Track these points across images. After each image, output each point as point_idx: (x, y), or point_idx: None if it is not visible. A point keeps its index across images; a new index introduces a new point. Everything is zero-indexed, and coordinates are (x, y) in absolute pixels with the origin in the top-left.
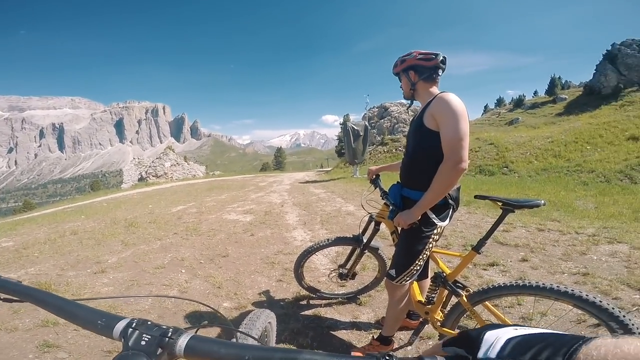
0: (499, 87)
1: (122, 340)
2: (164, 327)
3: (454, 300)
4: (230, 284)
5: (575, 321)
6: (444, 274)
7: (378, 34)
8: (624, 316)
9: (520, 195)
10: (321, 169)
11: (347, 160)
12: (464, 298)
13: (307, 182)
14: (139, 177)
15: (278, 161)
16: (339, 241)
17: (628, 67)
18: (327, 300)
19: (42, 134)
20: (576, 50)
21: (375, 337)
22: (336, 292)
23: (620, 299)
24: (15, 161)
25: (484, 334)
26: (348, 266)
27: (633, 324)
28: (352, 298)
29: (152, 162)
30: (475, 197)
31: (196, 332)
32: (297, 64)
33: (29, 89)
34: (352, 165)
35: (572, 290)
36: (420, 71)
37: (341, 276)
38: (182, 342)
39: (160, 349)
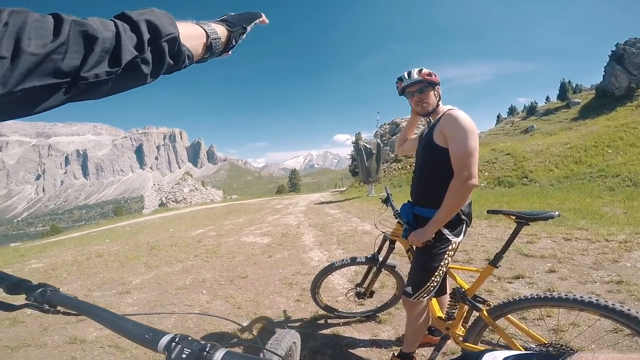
0: (509, 95)
1: (166, 353)
2: (202, 342)
3: (475, 315)
4: (249, 304)
5: (611, 330)
6: (463, 289)
7: (380, 51)
8: None
9: (542, 206)
10: (336, 189)
11: (361, 179)
12: (485, 312)
13: (322, 202)
14: (160, 202)
15: (293, 183)
16: (355, 261)
17: (636, 67)
18: (346, 319)
19: (67, 161)
20: (580, 53)
21: (395, 354)
22: (354, 311)
23: None
24: (43, 188)
25: (482, 356)
26: (365, 285)
27: None
28: (371, 316)
29: (172, 187)
30: (488, 212)
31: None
32: (304, 86)
33: (54, 115)
34: (367, 184)
35: (597, 299)
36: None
37: (359, 295)
38: (218, 356)
39: None
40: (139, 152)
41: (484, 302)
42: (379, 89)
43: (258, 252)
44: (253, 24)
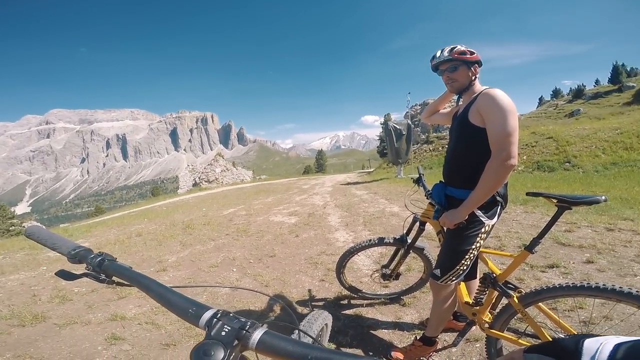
0: (553, 77)
1: (206, 329)
2: (243, 320)
3: (504, 301)
4: (276, 282)
5: None
6: (494, 275)
7: (412, 30)
8: None
9: (585, 192)
10: (363, 170)
11: (390, 161)
12: (515, 299)
13: (349, 183)
14: (193, 182)
15: (319, 164)
16: (383, 242)
17: None
18: (369, 301)
19: (108, 145)
20: (638, 34)
21: (418, 338)
22: (378, 293)
23: None
24: (87, 170)
25: (583, 342)
26: (391, 267)
27: None
28: (395, 299)
29: (204, 168)
30: (527, 194)
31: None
32: (333, 67)
33: (95, 103)
34: (396, 166)
35: (638, 291)
36: (480, 67)
37: (384, 276)
38: (257, 336)
39: (236, 341)
40: (174, 135)
41: (515, 288)
42: (409, 70)
43: (285, 232)
44: None
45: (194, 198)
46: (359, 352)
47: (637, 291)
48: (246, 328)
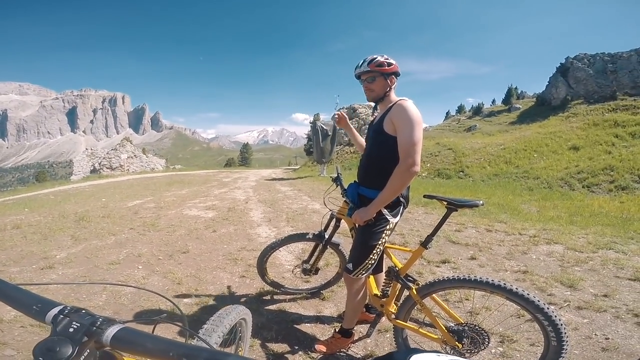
0: (460, 94)
1: (52, 325)
2: (97, 316)
3: (406, 293)
4: (190, 280)
5: (515, 315)
6: (397, 268)
7: (352, 36)
8: (548, 308)
9: (472, 198)
10: (289, 167)
11: (315, 159)
12: (414, 291)
13: (274, 179)
14: (92, 168)
15: (244, 157)
16: (302, 237)
17: (577, 80)
18: (292, 296)
19: None
20: (533, 61)
21: (337, 330)
22: (300, 288)
23: (554, 295)
24: None
25: (409, 358)
26: (311, 262)
27: (556, 316)
28: (315, 293)
29: (107, 153)
30: (424, 196)
31: (154, 327)
32: (269, 60)
33: None
34: (320, 164)
35: (504, 283)
36: (397, 78)
37: (305, 272)
38: (111, 332)
39: (86, 337)
40: (72, 114)
41: (414, 281)
42: (343, 73)
43: (201, 227)
44: None
45: (91, 186)
46: (284, 347)
47: (504, 284)
48: (97, 324)
